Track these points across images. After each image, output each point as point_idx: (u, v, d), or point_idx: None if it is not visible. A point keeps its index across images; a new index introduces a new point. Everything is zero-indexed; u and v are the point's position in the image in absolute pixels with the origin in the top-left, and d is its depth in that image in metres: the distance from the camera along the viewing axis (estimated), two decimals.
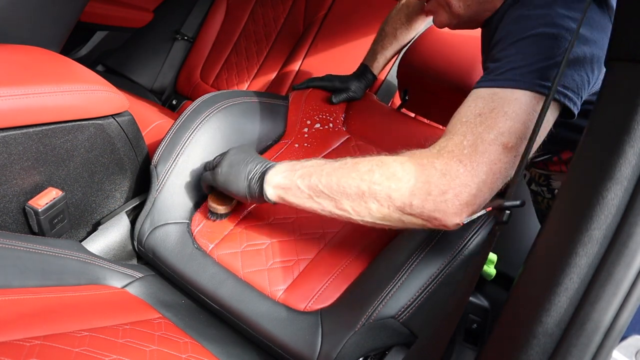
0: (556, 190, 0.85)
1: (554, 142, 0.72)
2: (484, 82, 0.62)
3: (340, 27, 1.51)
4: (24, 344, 0.53)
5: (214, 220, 0.83)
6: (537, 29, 0.60)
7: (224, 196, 0.80)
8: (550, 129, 0.61)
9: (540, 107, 0.58)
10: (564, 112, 0.61)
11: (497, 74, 0.61)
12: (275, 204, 0.70)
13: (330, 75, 1.10)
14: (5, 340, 0.53)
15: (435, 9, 0.77)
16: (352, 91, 1.06)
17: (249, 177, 0.71)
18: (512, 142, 0.57)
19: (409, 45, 1.11)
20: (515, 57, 0.61)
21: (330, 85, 1.07)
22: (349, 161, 0.64)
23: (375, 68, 1.11)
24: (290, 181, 0.66)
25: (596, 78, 0.62)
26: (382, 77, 1.44)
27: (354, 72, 1.11)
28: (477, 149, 0.57)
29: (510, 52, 0.62)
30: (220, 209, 0.80)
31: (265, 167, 0.70)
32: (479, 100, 0.60)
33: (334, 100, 1.04)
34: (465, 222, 0.56)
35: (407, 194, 0.58)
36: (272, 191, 0.68)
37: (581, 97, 0.61)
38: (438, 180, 0.57)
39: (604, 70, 0.62)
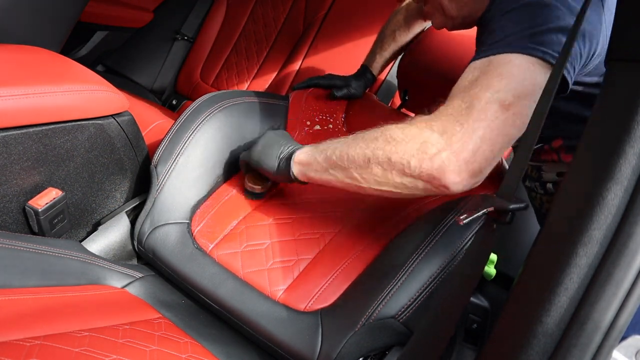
0: (548, 185, 0.85)
1: (545, 128, 0.72)
2: (478, 55, 0.64)
3: (340, 27, 1.51)
4: (24, 344, 0.53)
5: (252, 200, 0.87)
6: (523, 0, 0.63)
7: (259, 176, 0.85)
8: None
9: (535, 69, 0.59)
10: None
11: (489, 44, 0.63)
12: (301, 182, 0.75)
13: (331, 74, 1.11)
14: (5, 340, 0.53)
15: (431, 12, 0.80)
16: (353, 88, 1.07)
17: (280, 157, 0.76)
18: (508, 100, 0.58)
19: (408, 46, 1.12)
20: (507, 26, 0.63)
21: (331, 84, 1.08)
22: (359, 133, 0.67)
23: (375, 68, 1.12)
24: (311, 157, 0.71)
25: (587, 53, 0.63)
26: (382, 77, 1.44)
27: (354, 73, 1.12)
28: (474, 107, 0.58)
29: (502, 23, 0.64)
30: (257, 188, 0.85)
31: (294, 148, 0.76)
32: (474, 70, 0.62)
33: (335, 94, 1.05)
34: (465, 222, 0.56)
35: (406, 155, 0.59)
36: (297, 168, 0.73)
37: (574, 68, 0.63)
38: (435, 139, 0.58)
39: (593, 46, 0.63)
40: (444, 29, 1.07)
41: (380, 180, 0.63)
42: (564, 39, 0.59)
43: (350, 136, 0.68)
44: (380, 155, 0.62)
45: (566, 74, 0.61)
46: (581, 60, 0.63)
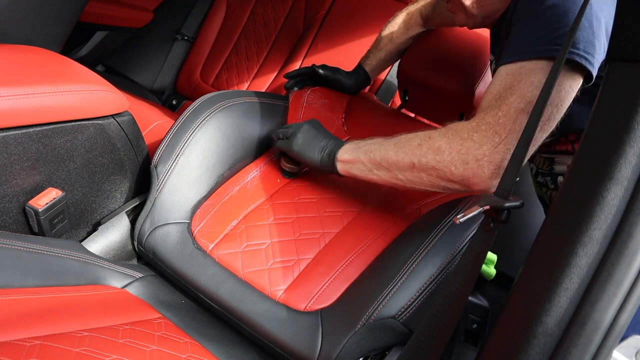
0: (559, 178, 0.86)
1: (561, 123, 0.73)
2: (508, 58, 0.66)
3: (340, 27, 1.51)
4: (24, 344, 0.53)
5: (288, 179, 0.91)
6: (550, 1, 0.64)
7: (293, 160, 0.90)
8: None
9: (569, 77, 0.62)
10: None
11: (519, 48, 0.65)
12: (341, 176, 0.81)
13: (325, 65, 1.12)
14: (5, 340, 0.53)
15: (454, 9, 0.81)
16: (333, 81, 1.09)
17: (322, 151, 0.81)
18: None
19: (406, 49, 1.12)
20: (535, 28, 0.64)
21: (309, 72, 1.10)
22: (402, 137, 0.72)
23: (367, 65, 1.13)
24: (355, 156, 0.76)
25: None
26: (382, 77, 1.44)
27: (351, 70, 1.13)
28: (511, 118, 0.62)
29: (529, 25, 0.65)
30: (295, 168, 0.90)
31: (336, 144, 0.81)
32: (507, 76, 0.65)
33: (316, 69, 1.08)
34: (462, 220, 0.56)
35: (447, 164, 0.65)
36: (341, 166, 0.79)
37: (597, 62, 0.63)
38: (475, 150, 0.63)
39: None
40: (445, 29, 1.08)
41: (425, 182, 0.69)
42: (593, 39, 0.61)
43: (394, 139, 0.73)
44: (424, 163, 0.67)
45: (590, 67, 0.62)
46: (604, 54, 0.64)
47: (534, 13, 0.65)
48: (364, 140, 0.78)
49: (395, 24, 1.10)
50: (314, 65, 1.09)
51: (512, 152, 0.59)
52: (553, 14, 0.63)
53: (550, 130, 0.64)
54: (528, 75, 0.63)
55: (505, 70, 0.66)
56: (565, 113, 0.64)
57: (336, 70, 1.10)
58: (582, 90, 0.66)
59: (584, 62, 0.61)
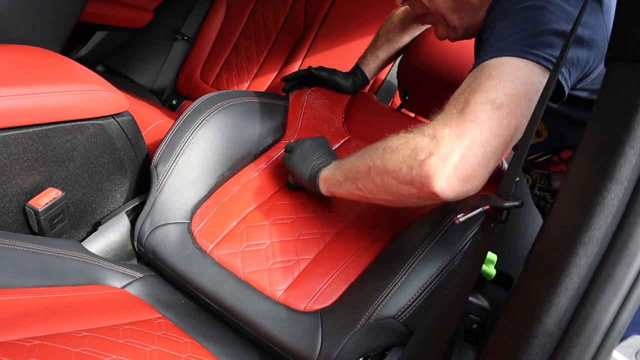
0: None
1: (553, 138, 0.71)
2: (474, 64, 0.63)
3: (340, 27, 1.51)
4: (24, 344, 0.53)
5: (291, 191, 0.89)
6: (522, 3, 0.62)
7: None
8: (547, 107, 0.61)
9: (528, 69, 0.58)
10: (554, 93, 0.61)
11: (484, 52, 0.62)
12: (325, 197, 0.78)
13: (319, 67, 1.11)
14: (5, 340, 0.53)
15: (434, 23, 0.79)
16: (330, 82, 1.08)
17: (310, 170, 0.79)
18: (500, 99, 0.56)
19: (405, 48, 1.11)
20: (500, 31, 0.62)
21: (306, 74, 1.09)
22: (370, 145, 0.67)
23: (364, 65, 1.11)
24: (332, 173, 0.73)
25: (586, 59, 0.62)
26: (382, 77, 1.44)
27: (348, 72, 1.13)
28: (464, 110, 0.57)
29: (496, 29, 0.63)
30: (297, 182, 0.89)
31: (322, 163, 0.78)
32: (469, 78, 0.62)
33: (313, 71, 1.07)
34: (462, 220, 0.55)
35: (399, 162, 0.59)
36: (322, 185, 0.76)
37: (570, 73, 0.61)
38: (426, 145, 0.57)
39: (593, 52, 0.62)
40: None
41: (380, 188, 0.63)
42: (559, 42, 0.58)
43: (365, 149, 0.68)
44: (378, 164, 0.62)
45: (561, 79, 0.60)
46: (579, 66, 0.62)
47: (503, 16, 0.63)
48: (348, 156, 0.72)
49: (392, 23, 1.09)
50: (310, 67, 1.09)
51: (473, 148, 0.55)
52: (520, 16, 0.61)
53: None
54: (487, 70, 0.59)
55: (469, 75, 0.63)
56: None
57: (333, 71, 1.09)
58: (574, 103, 0.64)
59: (548, 65, 0.58)
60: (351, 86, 1.10)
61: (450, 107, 0.60)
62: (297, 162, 0.81)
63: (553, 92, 0.60)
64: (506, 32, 0.61)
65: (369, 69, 1.12)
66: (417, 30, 1.10)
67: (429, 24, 0.81)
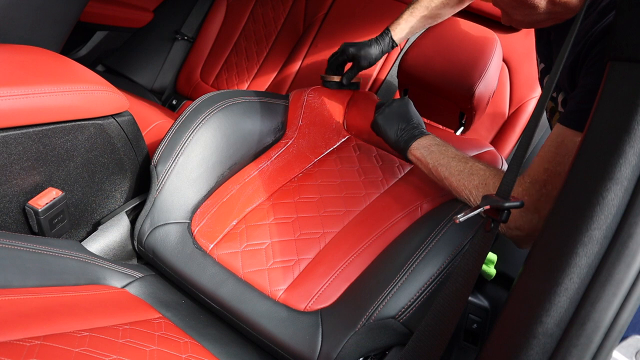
0: None
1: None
2: (566, 114, 0.66)
3: (340, 27, 1.51)
4: (24, 344, 0.53)
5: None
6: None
7: (338, 69, 1.09)
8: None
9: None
10: None
11: (570, 112, 0.65)
12: (408, 161, 0.87)
13: (345, 43, 1.09)
14: (5, 340, 0.53)
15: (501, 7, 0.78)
16: (363, 58, 1.07)
17: (399, 135, 0.87)
18: None
19: (441, 19, 1.08)
20: (587, 98, 0.63)
21: (343, 58, 1.09)
22: (467, 168, 0.75)
23: (397, 33, 1.08)
24: (424, 159, 0.82)
25: None
26: (382, 77, 1.44)
27: (375, 37, 1.10)
28: (551, 198, 0.63)
29: (581, 92, 0.64)
30: (335, 77, 1.02)
31: (413, 135, 0.86)
32: (558, 136, 0.66)
33: (344, 82, 1.08)
34: (461, 220, 0.56)
35: (472, 198, 0.73)
36: (411, 157, 0.85)
37: None
38: (518, 218, 0.66)
39: None
40: (445, 28, 1.07)
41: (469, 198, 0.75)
42: None
43: (459, 164, 0.76)
44: (475, 195, 0.73)
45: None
46: None
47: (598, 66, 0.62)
48: (437, 144, 0.81)
49: None
50: (345, 43, 1.09)
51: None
52: None
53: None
54: (572, 150, 0.62)
55: (558, 130, 0.66)
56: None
57: (360, 46, 1.08)
58: None
59: None
60: (379, 56, 1.09)
61: (539, 184, 0.66)
62: (385, 119, 0.89)
63: None
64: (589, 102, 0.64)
65: (399, 34, 1.08)
66: (461, 6, 1.06)
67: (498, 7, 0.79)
